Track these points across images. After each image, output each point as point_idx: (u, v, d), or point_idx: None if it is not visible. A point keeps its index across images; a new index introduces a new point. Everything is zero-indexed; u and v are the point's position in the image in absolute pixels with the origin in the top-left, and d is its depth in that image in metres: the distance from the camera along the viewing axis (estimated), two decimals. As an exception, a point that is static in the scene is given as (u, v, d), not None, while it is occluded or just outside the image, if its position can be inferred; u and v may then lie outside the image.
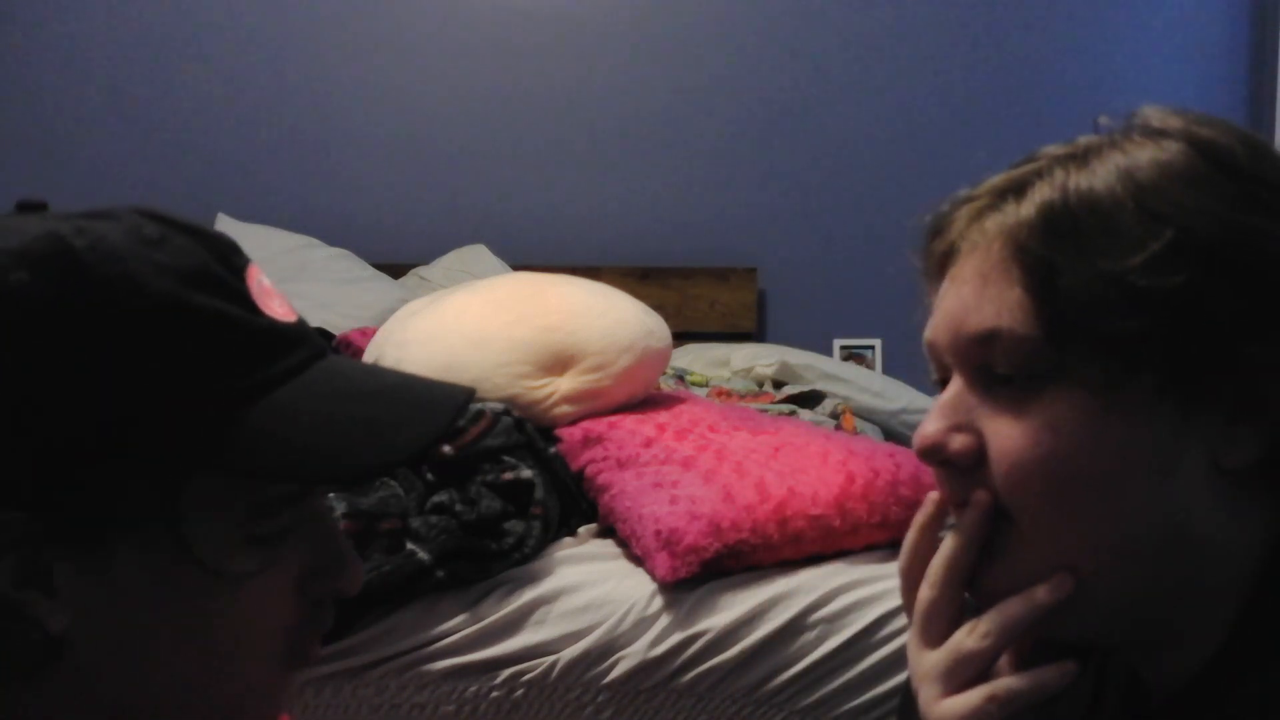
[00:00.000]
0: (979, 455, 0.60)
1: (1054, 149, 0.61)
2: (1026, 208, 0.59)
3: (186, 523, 0.51)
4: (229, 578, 0.52)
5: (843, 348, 3.15)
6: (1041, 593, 0.58)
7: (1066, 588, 0.58)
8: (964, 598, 0.63)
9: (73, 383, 0.48)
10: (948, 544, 0.62)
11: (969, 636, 0.60)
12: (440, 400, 0.57)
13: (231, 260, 0.55)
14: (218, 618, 0.52)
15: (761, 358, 2.68)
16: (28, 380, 0.48)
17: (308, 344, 0.56)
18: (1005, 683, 0.59)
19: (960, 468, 0.60)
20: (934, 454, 0.61)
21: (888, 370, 3.01)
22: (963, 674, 0.60)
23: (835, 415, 2.31)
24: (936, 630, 0.62)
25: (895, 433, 2.53)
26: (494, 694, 1.33)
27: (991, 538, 0.61)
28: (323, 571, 0.56)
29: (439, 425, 0.55)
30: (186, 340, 0.50)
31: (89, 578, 0.50)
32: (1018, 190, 0.60)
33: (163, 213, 0.54)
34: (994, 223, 0.60)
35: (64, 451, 0.48)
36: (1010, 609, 0.60)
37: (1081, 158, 0.59)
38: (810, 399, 2.41)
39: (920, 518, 0.67)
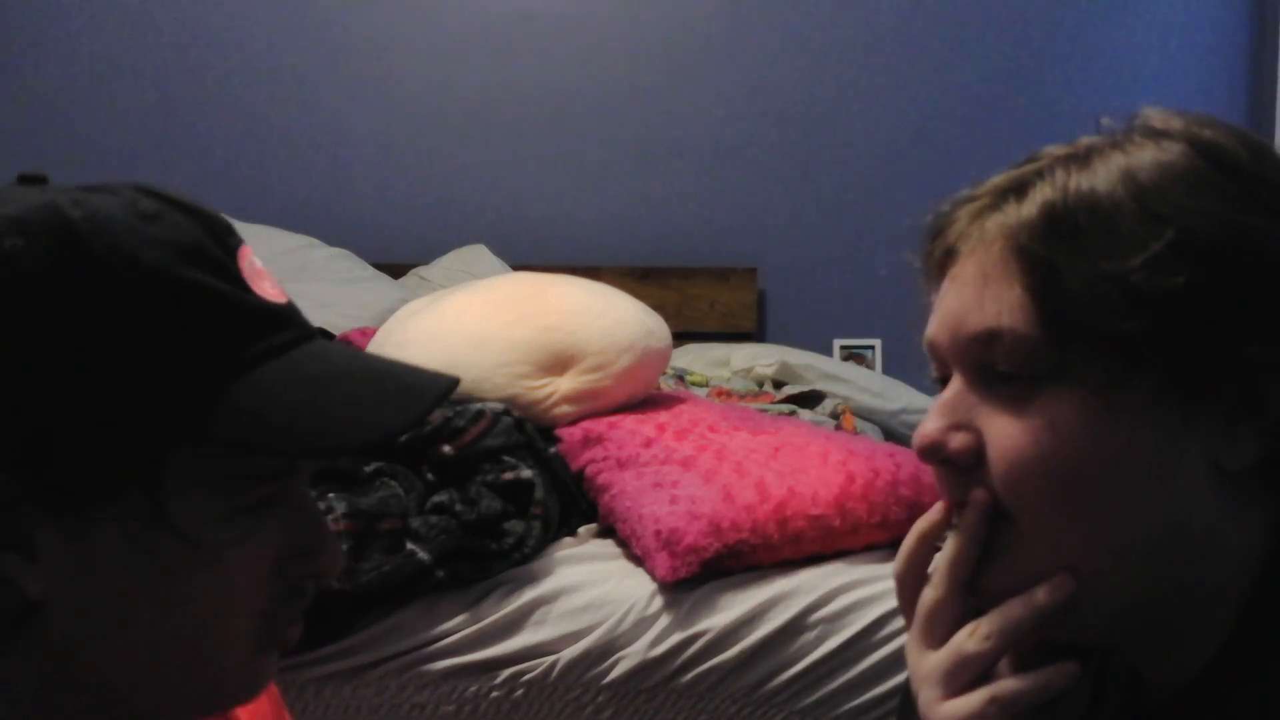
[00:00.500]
0: (978, 454, 0.60)
1: (1055, 149, 0.61)
2: (1028, 208, 0.59)
3: (167, 493, 0.51)
4: (206, 550, 0.52)
5: (843, 348, 3.15)
6: (1042, 594, 0.58)
7: (1067, 589, 0.58)
8: (966, 599, 0.62)
9: (62, 350, 0.49)
10: (950, 544, 0.62)
11: (970, 639, 0.60)
12: (423, 385, 0.58)
13: (225, 240, 0.55)
14: (193, 591, 0.53)
15: (761, 358, 2.68)
16: (17, 345, 0.49)
17: (296, 325, 0.57)
18: (1007, 684, 0.59)
19: (960, 467, 0.60)
20: (933, 453, 0.61)
21: (888, 370, 3.01)
22: (964, 676, 0.60)
23: (835, 415, 2.31)
24: (938, 632, 0.62)
25: (895, 433, 2.53)
26: (494, 694, 1.33)
27: (992, 537, 0.61)
28: (301, 552, 0.57)
29: (420, 408, 0.56)
30: (177, 314, 0.51)
31: (69, 543, 0.50)
32: (1019, 190, 0.60)
33: (160, 190, 0.55)
34: (995, 222, 0.60)
35: (50, 416, 0.49)
36: (1011, 611, 0.59)
37: (1083, 158, 0.59)
38: (810, 399, 2.41)
39: (922, 524, 0.66)
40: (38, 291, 0.49)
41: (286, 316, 0.57)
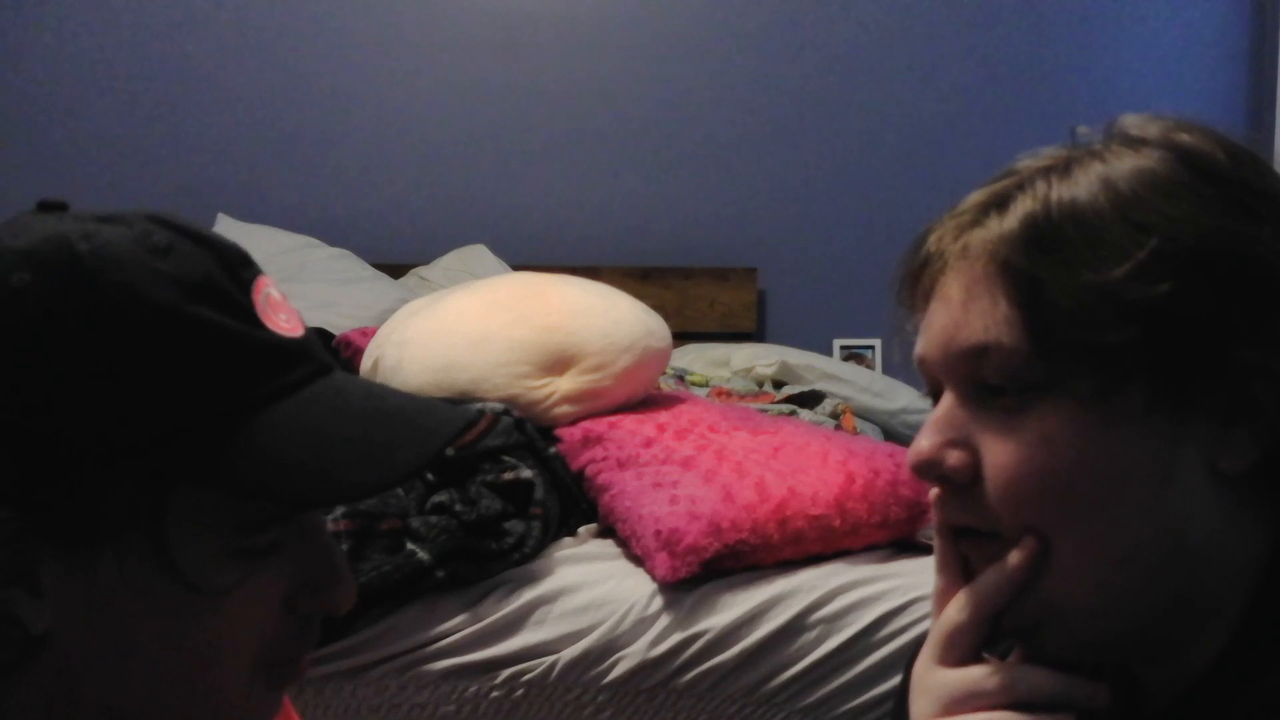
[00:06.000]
0: (975, 471, 0.59)
1: (1033, 161, 0.61)
2: (1010, 221, 0.58)
3: (169, 534, 0.50)
4: (209, 591, 0.52)
5: (843, 348, 3.15)
6: (1013, 557, 0.58)
7: (1032, 547, 0.58)
8: (989, 628, 0.61)
9: (62, 386, 0.48)
10: (989, 578, 0.60)
11: (993, 678, 0.59)
12: (434, 426, 0.56)
13: (239, 272, 0.54)
14: (197, 629, 0.52)
15: (761, 358, 2.68)
16: (19, 380, 0.48)
17: (309, 361, 0.56)
18: (1004, 717, 0.59)
19: (956, 484, 0.60)
20: (929, 470, 0.60)
21: (888, 370, 3.01)
22: (967, 705, 0.60)
23: (835, 415, 2.31)
24: (954, 654, 0.62)
25: (895, 433, 2.53)
26: (494, 694, 1.33)
27: (983, 554, 0.61)
28: (313, 588, 0.56)
29: (428, 453, 0.55)
30: (180, 352, 0.50)
31: (73, 579, 0.50)
32: (1000, 204, 0.60)
33: (176, 220, 0.54)
34: (978, 238, 0.59)
35: (52, 452, 0.48)
36: (985, 580, 0.59)
37: (1063, 169, 0.59)
38: (810, 399, 2.40)
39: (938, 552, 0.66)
40: (41, 327, 0.49)
41: (299, 352, 0.55)
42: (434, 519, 1.36)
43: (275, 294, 0.56)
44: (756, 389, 2.57)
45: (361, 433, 0.54)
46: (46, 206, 0.54)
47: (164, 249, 0.52)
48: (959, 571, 0.63)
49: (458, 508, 1.38)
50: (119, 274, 0.50)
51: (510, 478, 1.43)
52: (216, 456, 0.50)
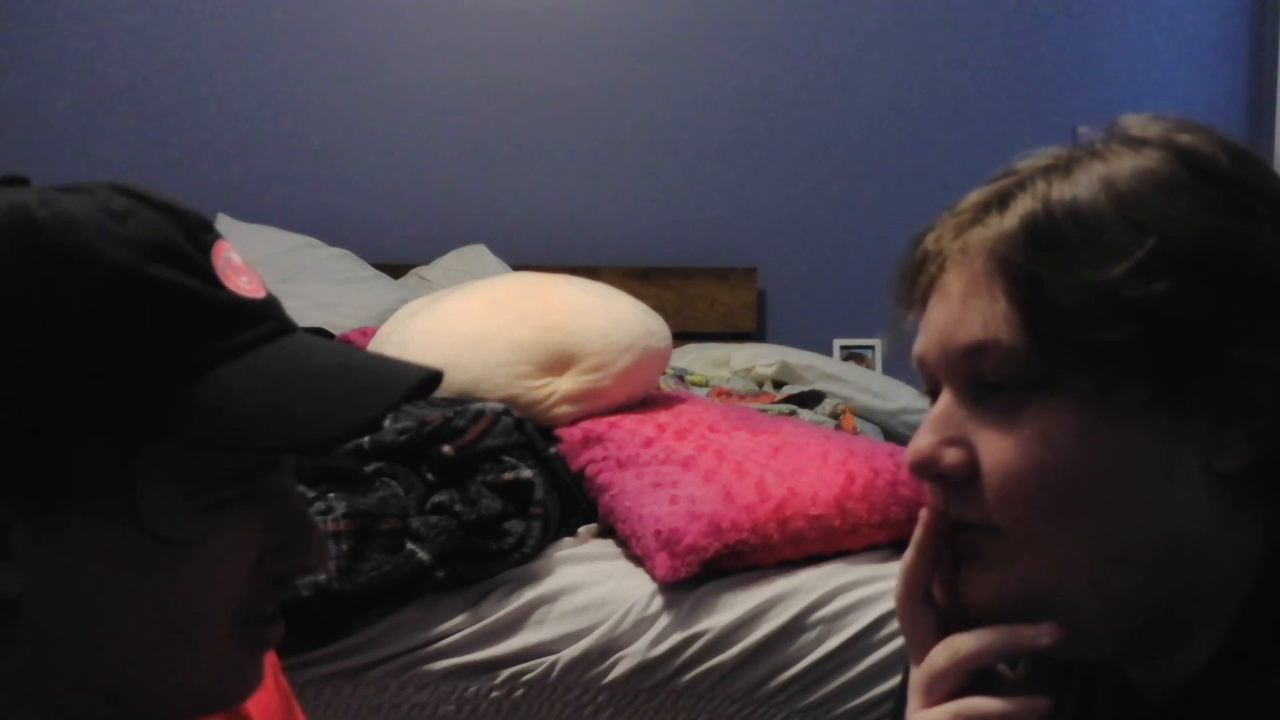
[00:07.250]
0: (972, 469, 0.59)
1: (1034, 160, 0.61)
2: (1009, 219, 0.58)
3: (135, 490, 0.51)
4: (177, 547, 0.52)
5: (843, 348, 3.15)
6: (1028, 635, 0.58)
7: (1054, 637, 0.58)
8: (931, 611, 0.63)
9: (25, 348, 0.49)
10: (904, 556, 0.62)
11: (940, 653, 0.60)
12: (396, 378, 0.57)
13: (199, 236, 0.55)
14: (168, 586, 0.53)
15: (761, 358, 2.68)
16: None
17: (272, 319, 0.57)
18: (974, 703, 0.59)
19: (953, 482, 0.60)
20: (927, 469, 0.61)
21: (888, 370, 3.01)
22: (937, 689, 0.60)
23: (835, 415, 2.31)
24: (915, 644, 0.63)
25: (895, 433, 2.53)
26: (494, 694, 1.33)
27: (978, 551, 0.61)
28: (285, 548, 0.56)
29: (385, 405, 0.55)
30: (142, 311, 0.51)
31: (43, 541, 0.51)
32: (1000, 203, 0.60)
33: (135, 188, 0.55)
34: (978, 236, 0.59)
35: (16, 414, 0.49)
36: (990, 638, 0.59)
37: (1063, 168, 0.59)
38: (810, 399, 2.40)
39: (915, 535, 0.66)
40: (2, 292, 0.49)
41: (261, 311, 0.56)
42: (434, 519, 1.36)
43: (236, 258, 0.57)
44: (756, 389, 2.57)
45: (324, 383, 0.55)
46: (8, 182, 0.55)
47: (123, 214, 0.53)
48: (928, 577, 0.63)
49: (458, 508, 1.38)
50: (78, 237, 0.51)
51: (510, 478, 1.43)
52: (177, 413, 0.51)
